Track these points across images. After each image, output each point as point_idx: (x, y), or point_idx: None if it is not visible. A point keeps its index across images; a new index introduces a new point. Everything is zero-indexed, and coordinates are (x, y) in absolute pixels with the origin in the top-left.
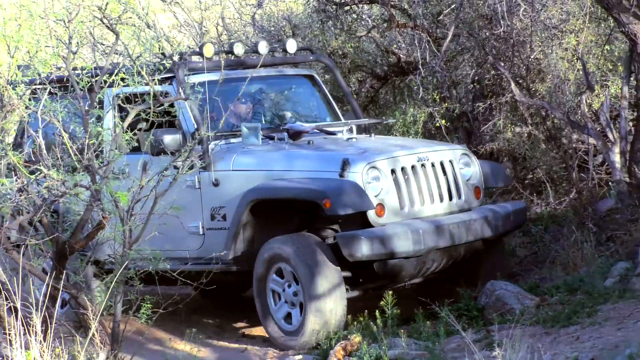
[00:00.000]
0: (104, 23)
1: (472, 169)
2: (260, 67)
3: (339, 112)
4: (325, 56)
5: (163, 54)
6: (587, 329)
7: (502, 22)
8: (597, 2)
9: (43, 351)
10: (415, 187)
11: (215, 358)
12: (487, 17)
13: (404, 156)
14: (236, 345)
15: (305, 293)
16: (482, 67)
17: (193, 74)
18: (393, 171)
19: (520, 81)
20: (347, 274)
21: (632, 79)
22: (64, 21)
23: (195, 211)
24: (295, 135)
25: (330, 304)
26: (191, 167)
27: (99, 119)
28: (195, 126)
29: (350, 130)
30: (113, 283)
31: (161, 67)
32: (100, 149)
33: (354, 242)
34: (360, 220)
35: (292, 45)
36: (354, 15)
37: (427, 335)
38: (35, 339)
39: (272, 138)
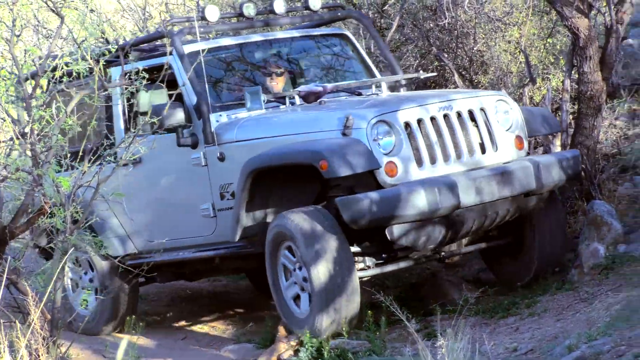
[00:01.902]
0: (48, 6)
1: (511, 117)
2: (282, 28)
3: (376, 72)
4: (356, 11)
5: (106, 39)
6: (526, 320)
7: (446, 13)
8: None
9: None
10: (435, 141)
11: (154, 345)
12: (431, 8)
13: (420, 107)
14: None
15: (311, 281)
16: (425, 58)
17: (193, 42)
18: (408, 125)
19: (463, 72)
20: (365, 249)
21: (573, 72)
22: (8, 4)
23: (205, 192)
24: (308, 97)
25: (341, 292)
26: (195, 145)
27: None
28: (192, 99)
29: (379, 88)
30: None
31: (106, 52)
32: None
33: (354, 205)
34: (375, 183)
35: (315, 2)
36: None
37: (368, 325)
38: None
39: (283, 102)
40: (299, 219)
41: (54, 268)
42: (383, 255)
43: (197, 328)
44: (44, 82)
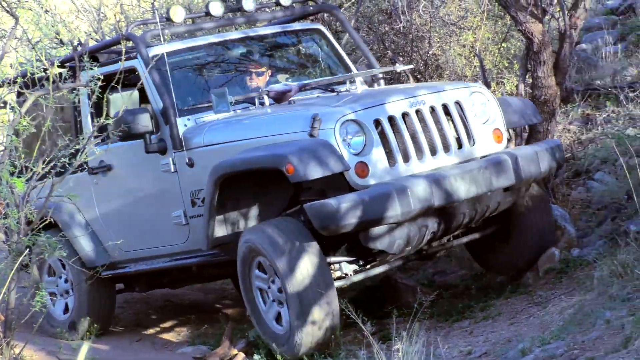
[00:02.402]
0: (2, 7)
1: (488, 109)
2: (253, 26)
3: (352, 66)
4: (328, 4)
5: (61, 40)
6: (480, 324)
7: (401, 17)
8: (496, 0)
9: None
10: (408, 138)
11: (109, 347)
12: (386, 11)
13: (390, 103)
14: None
15: (286, 296)
16: (381, 61)
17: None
18: (378, 123)
19: (418, 76)
20: (341, 256)
21: (527, 76)
22: None
23: (176, 199)
24: (278, 96)
25: (318, 305)
26: (163, 151)
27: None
28: (158, 104)
29: (354, 83)
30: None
31: (60, 53)
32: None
33: (323, 211)
34: (347, 185)
35: None
36: None
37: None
38: None
39: (253, 103)
40: (268, 232)
41: (8, 270)
42: (360, 261)
43: (161, 333)
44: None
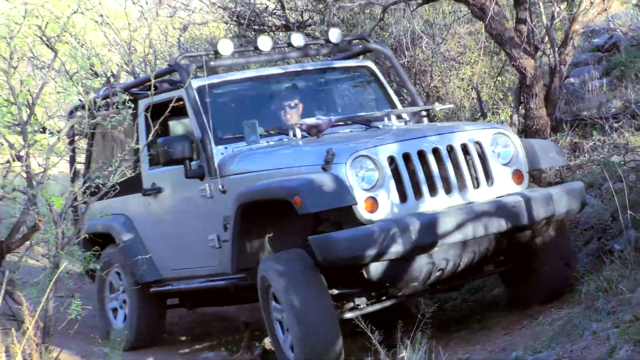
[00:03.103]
0: (42, 40)
1: (511, 150)
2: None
3: (397, 103)
4: (381, 43)
5: (95, 72)
6: (477, 333)
7: (406, 52)
8: (492, 37)
9: None
10: (422, 176)
11: (137, 357)
12: (392, 47)
13: (405, 141)
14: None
15: (289, 323)
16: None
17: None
18: (392, 160)
19: None
20: (351, 288)
21: (521, 108)
22: (6, 38)
23: (212, 223)
24: (310, 129)
25: (316, 335)
26: (202, 176)
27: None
28: (199, 132)
29: (390, 118)
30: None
31: (94, 84)
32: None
33: (325, 244)
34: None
35: (335, 35)
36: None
37: None
38: None
39: (287, 134)
40: (275, 263)
41: (47, 280)
42: (372, 293)
43: (187, 341)
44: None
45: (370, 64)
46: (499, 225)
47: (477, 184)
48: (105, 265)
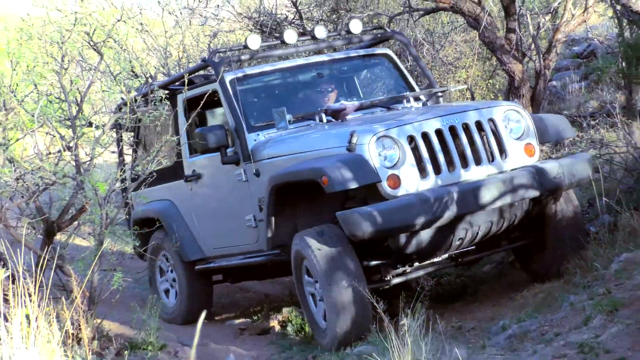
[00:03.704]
0: (90, 45)
1: (522, 125)
2: (326, 51)
3: (415, 87)
4: (397, 32)
5: (135, 74)
6: (469, 305)
7: (409, 57)
8: (485, 45)
9: (35, 309)
10: (440, 152)
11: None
12: (397, 53)
13: (424, 121)
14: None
15: (323, 293)
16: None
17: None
18: (412, 139)
19: None
20: (380, 260)
21: None
22: (58, 43)
23: (248, 204)
24: (335, 114)
25: (349, 303)
26: (237, 162)
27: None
28: (232, 121)
29: (409, 100)
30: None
31: (135, 84)
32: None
33: (352, 219)
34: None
35: (356, 25)
36: None
37: None
38: (30, 300)
39: (314, 119)
40: (309, 238)
41: (92, 255)
42: (398, 265)
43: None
44: (86, 106)
45: (388, 51)
46: (514, 195)
47: (492, 158)
48: (154, 249)
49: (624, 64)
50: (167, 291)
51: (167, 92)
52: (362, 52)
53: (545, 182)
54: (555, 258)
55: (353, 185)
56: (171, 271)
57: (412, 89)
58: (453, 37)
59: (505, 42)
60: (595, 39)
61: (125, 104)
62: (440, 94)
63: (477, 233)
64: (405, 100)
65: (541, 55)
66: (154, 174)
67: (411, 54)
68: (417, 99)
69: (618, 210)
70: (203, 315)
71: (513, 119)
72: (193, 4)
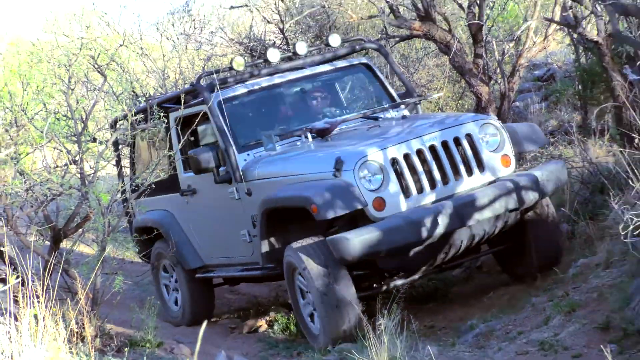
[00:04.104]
0: (95, 68)
1: (498, 138)
2: (306, 65)
3: (394, 95)
4: (372, 40)
5: (136, 94)
6: (440, 306)
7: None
8: (455, 69)
9: (42, 310)
10: (422, 172)
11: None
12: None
13: (405, 142)
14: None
15: (314, 301)
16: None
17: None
18: (394, 161)
19: None
20: (366, 272)
21: None
22: (65, 65)
23: (242, 220)
24: (321, 132)
25: (338, 310)
26: (229, 181)
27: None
28: (222, 142)
29: (398, 108)
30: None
31: (137, 102)
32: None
33: (341, 244)
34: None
35: (335, 40)
36: None
37: None
38: (38, 301)
39: (299, 137)
40: (301, 253)
41: (95, 260)
42: (385, 274)
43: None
44: (91, 123)
45: (367, 60)
46: (494, 209)
47: (470, 172)
48: (157, 257)
49: (580, 86)
50: (169, 294)
51: (161, 110)
52: (342, 63)
53: (542, 188)
54: (535, 260)
55: (341, 212)
56: (175, 281)
57: (390, 96)
58: (426, 61)
59: (473, 66)
60: (554, 64)
61: (123, 117)
62: (418, 102)
63: (461, 246)
64: (385, 111)
65: (506, 79)
66: (153, 185)
67: (390, 63)
68: (396, 107)
69: (575, 220)
70: (204, 325)
71: (489, 132)
72: (189, 31)
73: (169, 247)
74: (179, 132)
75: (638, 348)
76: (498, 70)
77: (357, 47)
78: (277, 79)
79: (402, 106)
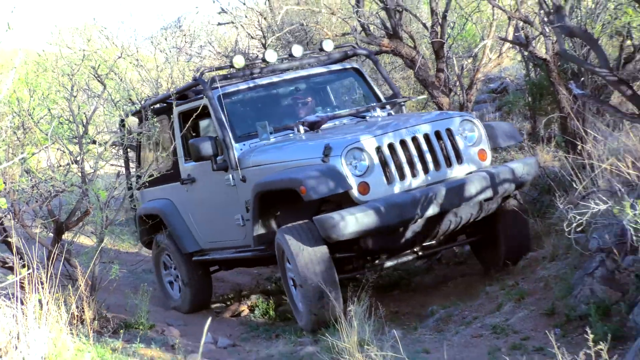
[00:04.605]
0: (95, 77)
1: (476, 134)
2: (301, 68)
3: (382, 97)
4: (362, 48)
5: (132, 101)
6: (405, 294)
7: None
8: (419, 81)
9: (46, 295)
10: (404, 160)
11: (158, 308)
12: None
13: (390, 133)
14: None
15: (299, 281)
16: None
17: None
18: (379, 149)
19: None
20: (351, 254)
21: None
22: (69, 75)
23: (236, 205)
24: (313, 125)
25: (321, 290)
26: (226, 168)
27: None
28: (220, 133)
29: (384, 109)
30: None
31: (132, 108)
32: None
33: (327, 223)
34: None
35: (328, 45)
36: None
37: None
38: (42, 287)
39: (293, 130)
40: (286, 234)
41: (94, 250)
42: (368, 257)
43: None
44: (91, 127)
45: (357, 65)
46: (470, 198)
47: (449, 164)
48: (159, 248)
49: (530, 99)
50: (171, 283)
51: (164, 104)
52: (334, 66)
53: (519, 178)
54: (502, 250)
55: (327, 193)
56: (174, 269)
57: (378, 98)
58: (393, 74)
59: (436, 79)
60: (507, 78)
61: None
62: (403, 103)
63: (438, 230)
64: (372, 110)
65: (464, 91)
66: (157, 175)
67: (378, 69)
68: (382, 107)
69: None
70: (209, 322)
71: (467, 128)
72: (180, 44)
73: (170, 238)
74: (182, 125)
75: (579, 332)
76: (457, 83)
77: (348, 52)
78: (274, 78)
79: (388, 106)
